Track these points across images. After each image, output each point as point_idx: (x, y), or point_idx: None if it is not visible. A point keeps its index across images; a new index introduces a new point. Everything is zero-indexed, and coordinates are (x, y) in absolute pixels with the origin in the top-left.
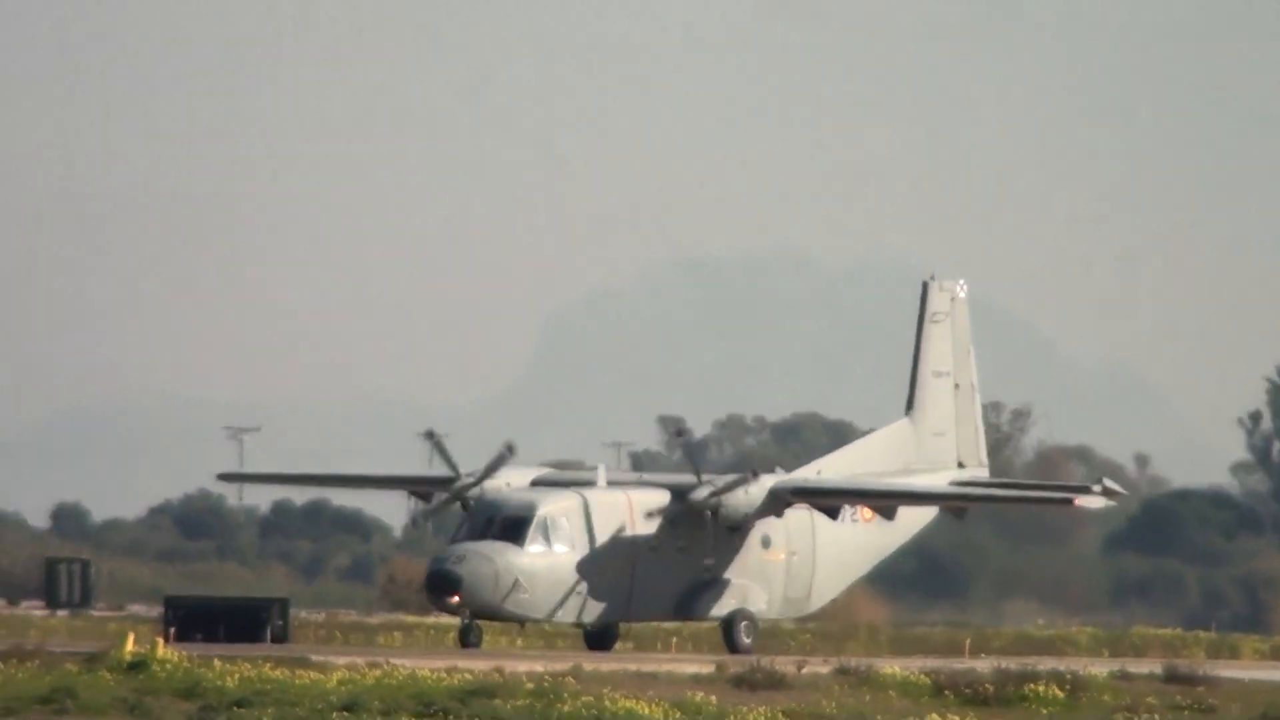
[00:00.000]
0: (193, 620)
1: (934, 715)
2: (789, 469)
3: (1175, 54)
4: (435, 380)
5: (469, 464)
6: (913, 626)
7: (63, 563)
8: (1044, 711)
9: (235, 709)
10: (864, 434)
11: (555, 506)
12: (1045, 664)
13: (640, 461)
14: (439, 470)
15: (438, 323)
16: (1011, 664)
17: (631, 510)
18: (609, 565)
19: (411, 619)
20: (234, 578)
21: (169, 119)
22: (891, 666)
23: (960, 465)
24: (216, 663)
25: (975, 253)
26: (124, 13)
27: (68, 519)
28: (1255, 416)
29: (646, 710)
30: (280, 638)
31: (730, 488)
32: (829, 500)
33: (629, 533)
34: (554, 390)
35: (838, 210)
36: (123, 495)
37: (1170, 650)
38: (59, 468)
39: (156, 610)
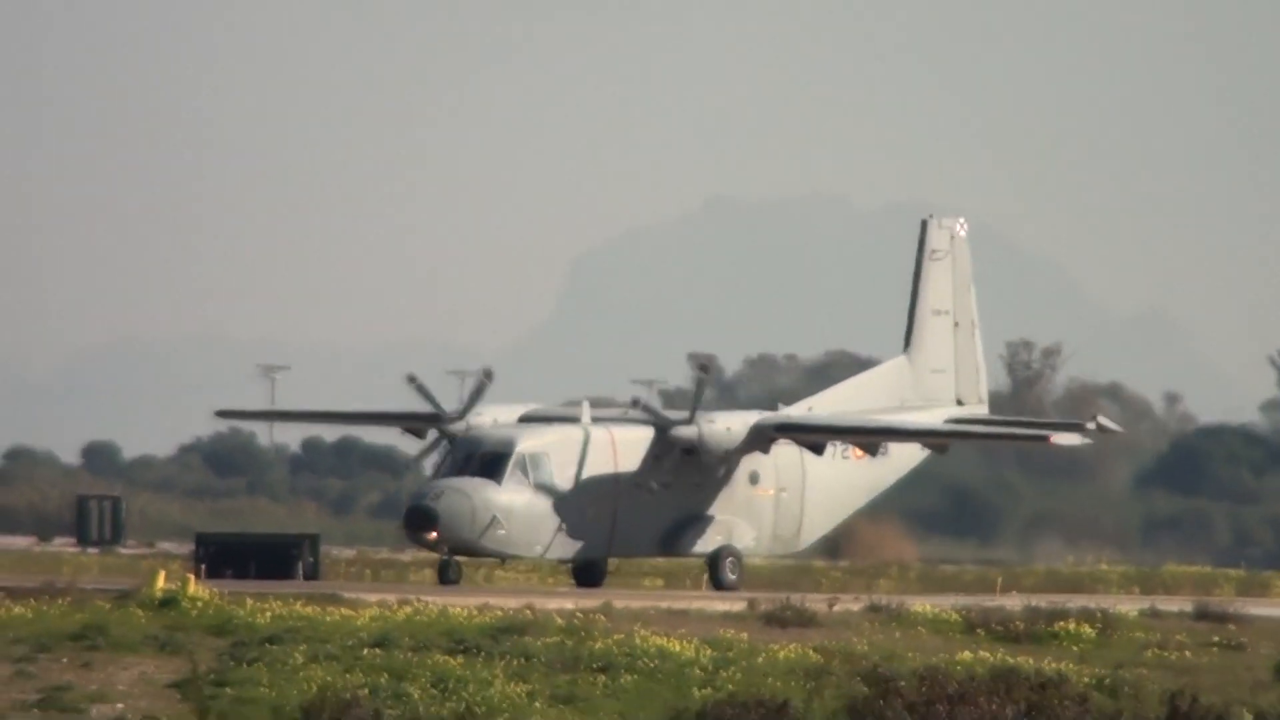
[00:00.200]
0: (223, 557)
1: (965, 652)
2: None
3: None
4: (467, 319)
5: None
6: (943, 564)
7: (94, 500)
8: (1075, 649)
9: (266, 646)
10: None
11: (534, 443)
12: (1076, 602)
13: (672, 399)
14: (425, 407)
15: (469, 261)
16: (1042, 602)
17: (614, 447)
18: (590, 502)
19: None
20: (265, 515)
21: (198, 60)
22: (922, 604)
23: (959, 403)
24: (248, 600)
25: (1007, 195)
26: None
27: (99, 456)
28: None
29: (677, 648)
30: (311, 575)
31: (697, 420)
32: (812, 436)
33: (611, 469)
34: (585, 329)
35: (872, 152)
36: (153, 432)
37: (1200, 588)
38: (90, 405)
39: (187, 547)
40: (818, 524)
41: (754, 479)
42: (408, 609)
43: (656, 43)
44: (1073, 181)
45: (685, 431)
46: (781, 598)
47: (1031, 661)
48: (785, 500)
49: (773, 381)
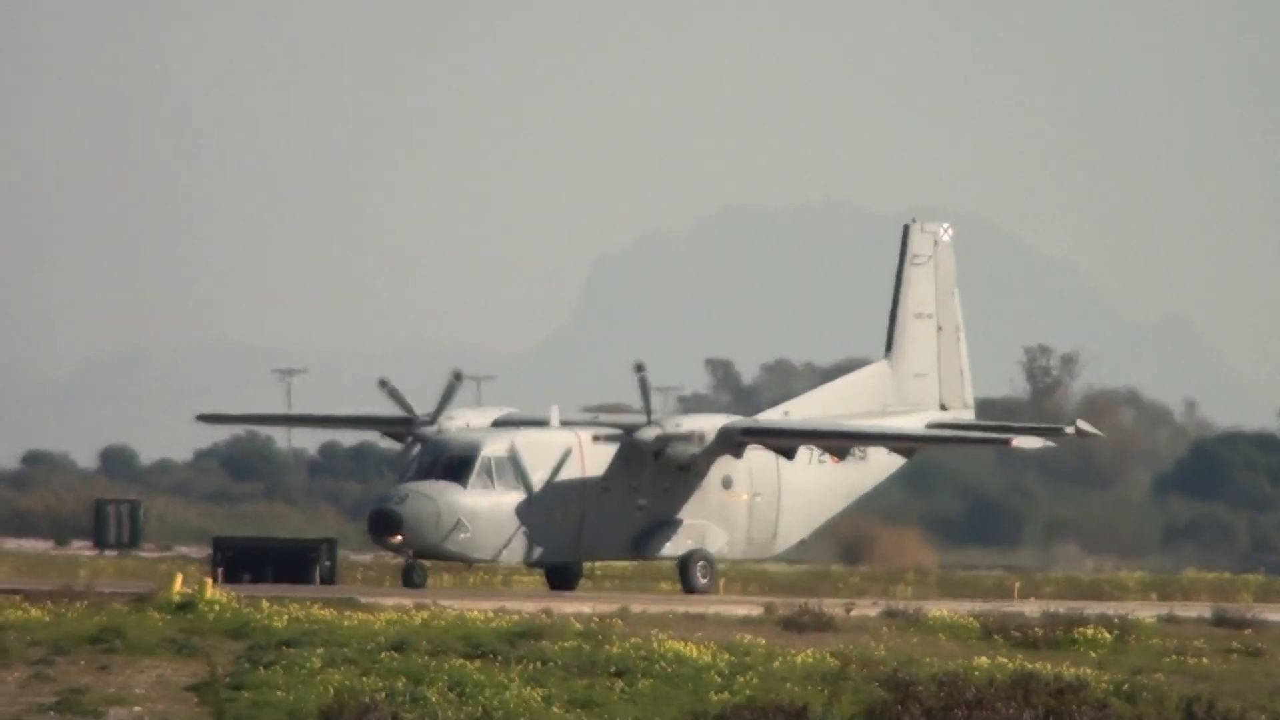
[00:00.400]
0: (241, 561)
1: (982, 658)
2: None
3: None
4: (484, 323)
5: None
6: (962, 570)
7: (111, 503)
8: (1092, 655)
9: (284, 649)
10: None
11: (500, 446)
12: (1094, 608)
13: (689, 405)
14: (399, 411)
15: (487, 266)
16: (1060, 607)
17: (582, 451)
18: (557, 505)
19: None
20: (282, 519)
21: (215, 70)
22: (940, 609)
23: (943, 407)
24: (265, 603)
25: (1026, 201)
26: None
27: (116, 460)
28: None
29: (694, 652)
30: (328, 579)
31: (664, 424)
32: (780, 441)
33: (579, 473)
34: (602, 334)
35: (888, 159)
36: (172, 437)
37: (1219, 594)
38: (108, 410)
39: (205, 551)
40: (794, 529)
41: (727, 483)
42: (425, 613)
43: (673, 52)
44: (1092, 188)
45: (650, 435)
46: (799, 602)
47: (1049, 667)
48: (760, 505)
49: (790, 387)
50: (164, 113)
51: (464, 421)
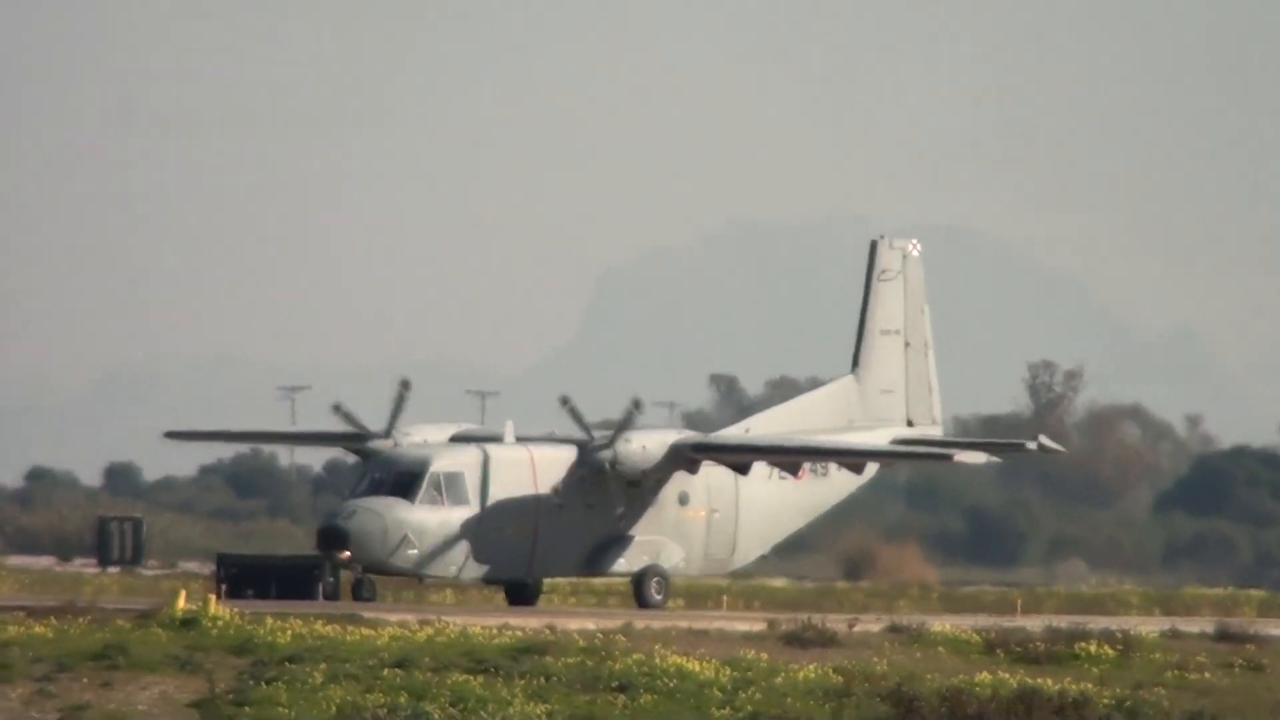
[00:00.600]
0: (244, 578)
1: (985, 673)
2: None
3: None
4: (489, 339)
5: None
6: (964, 586)
7: (115, 521)
8: (1095, 670)
9: (286, 665)
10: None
11: (449, 462)
12: (1096, 623)
13: (693, 421)
14: (351, 428)
15: (491, 282)
16: (1062, 623)
17: (534, 467)
18: (507, 521)
19: None
20: (286, 536)
21: (223, 92)
22: (943, 625)
23: (910, 423)
24: (268, 620)
25: (1031, 216)
26: None
27: (120, 477)
28: None
29: (698, 667)
30: (332, 595)
31: (621, 431)
32: (730, 456)
33: (530, 489)
34: (607, 350)
35: (892, 175)
36: (175, 454)
37: (1221, 609)
38: (111, 427)
39: (208, 568)
40: (753, 544)
41: (683, 499)
42: (428, 629)
43: (677, 67)
44: (1098, 202)
45: (600, 451)
46: (802, 618)
47: (1052, 683)
48: (717, 521)
49: None
50: (170, 127)
51: (421, 437)
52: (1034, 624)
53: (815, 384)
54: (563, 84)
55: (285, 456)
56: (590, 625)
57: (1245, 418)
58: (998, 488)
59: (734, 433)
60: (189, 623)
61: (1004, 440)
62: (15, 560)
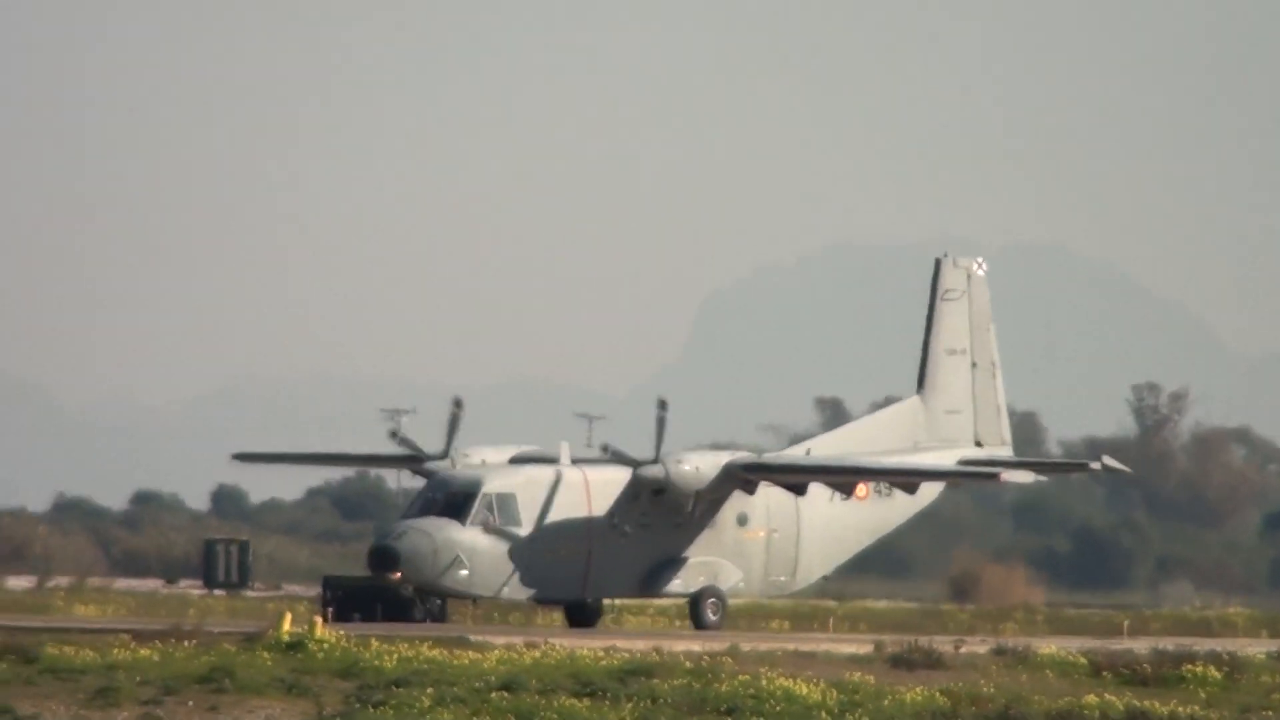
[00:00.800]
0: (351, 600)
1: (1091, 695)
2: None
3: None
4: (593, 361)
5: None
6: (1070, 608)
7: (221, 543)
8: (1201, 692)
9: (393, 688)
10: (1023, 414)
11: (501, 483)
12: (1203, 645)
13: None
14: (413, 450)
15: (597, 304)
16: (1169, 645)
17: (588, 488)
18: (559, 542)
19: None
20: None
21: (307, 108)
22: (1049, 646)
23: (978, 444)
24: (374, 642)
25: (1138, 238)
26: None
27: (226, 500)
28: None
29: (804, 690)
30: (438, 617)
31: (666, 461)
32: (784, 477)
33: (584, 509)
34: (711, 372)
35: (999, 196)
36: (282, 476)
37: None
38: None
39: (314, 590)
40: (815, 565)
41: (742, 520)
42: (535, 652)
43: (784, 92)
44: (1202, 224)
45: (652, 472)
46: (909, 640)
47: (1158, 705)
48: (777, 542)
49: None
50: (269, 149)
51: (480, 459)
52: (1140, 646)
53: None
54: (669, 112)
55: (392, 479)
56: (696, 647)
57: None
58: (1104, 509)
59: (795, 453)
60: (295, 646)
61: (1067, 460)
62: (122, 583)
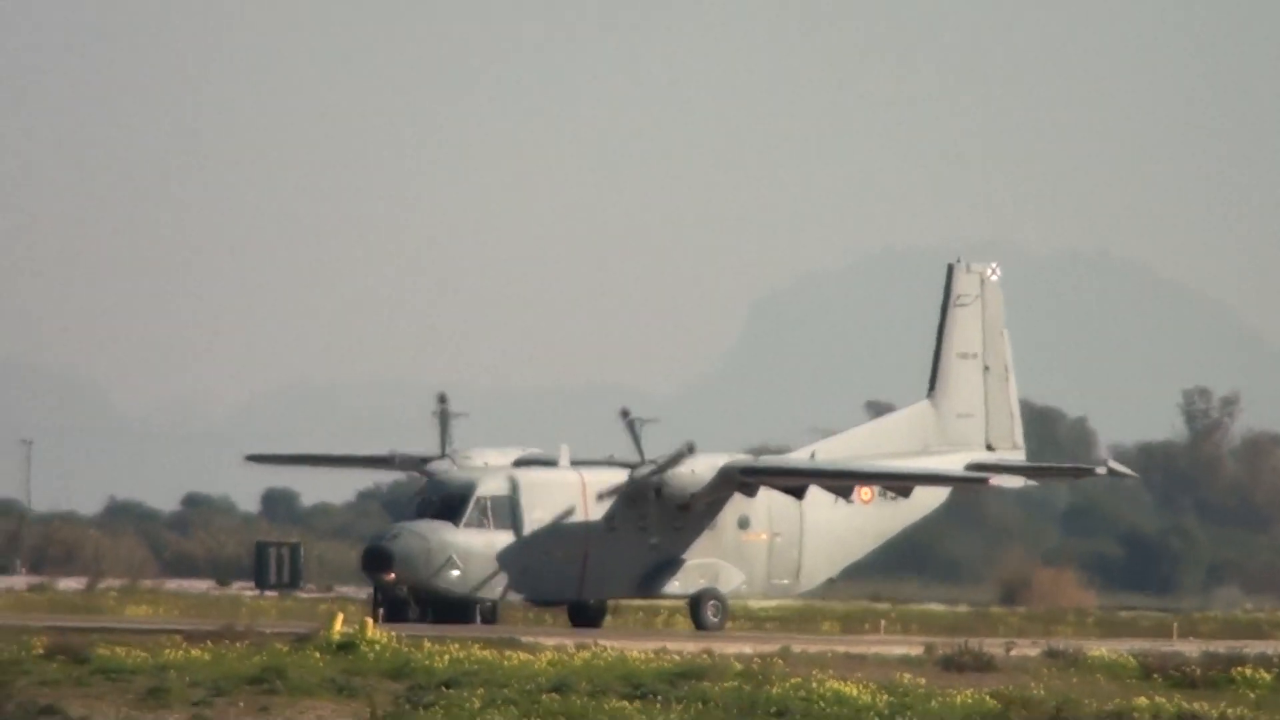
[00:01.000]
0: (402, 602)
1: (1141, 698)
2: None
3: None
4: (643, 364)
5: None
6: (1120, 611)
7: (272, 546)
8: (1251, 695)
9: (444, 689)
10: (1074, 419)
11: (495, 485)
12: (1253, 647)
13: None
14: (430, 451)
15: (646, 306)
16: (1219, 647)
17: (584, 490)
18: (555, 544)
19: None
20: None
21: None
22: (1099, 649)
23: (990, 448)
24: (425, 643)
25: (1186, 241)
26: None
27: (278, 503)
28: None
29: (854, 692)
30: (489, 619)
31: (669, 465)
32: (782, 480)
33: (580, 512)
34: (761, 375)
35: (1045, 202)
36: (333, 479)
37: None
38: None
39: (365, 592)
40: (819, 568)
41: (743, 523)
42: (586, 653)
43: (832, 96)
44: (1251, 225)
45: (644, 475)
46: (959, 642)
47: (1208, 707)
48: (780, 545)
49: None
50: (321, 153)
51: (482, 461)
52: (1190, 649)
53: None
54: (718, 113)
55: None
56: (748, 649)
57: None
58: (1154, 514)
59: (800, 456)
60: (346, 647)
61: (1072, 465)
62: (173, 584)
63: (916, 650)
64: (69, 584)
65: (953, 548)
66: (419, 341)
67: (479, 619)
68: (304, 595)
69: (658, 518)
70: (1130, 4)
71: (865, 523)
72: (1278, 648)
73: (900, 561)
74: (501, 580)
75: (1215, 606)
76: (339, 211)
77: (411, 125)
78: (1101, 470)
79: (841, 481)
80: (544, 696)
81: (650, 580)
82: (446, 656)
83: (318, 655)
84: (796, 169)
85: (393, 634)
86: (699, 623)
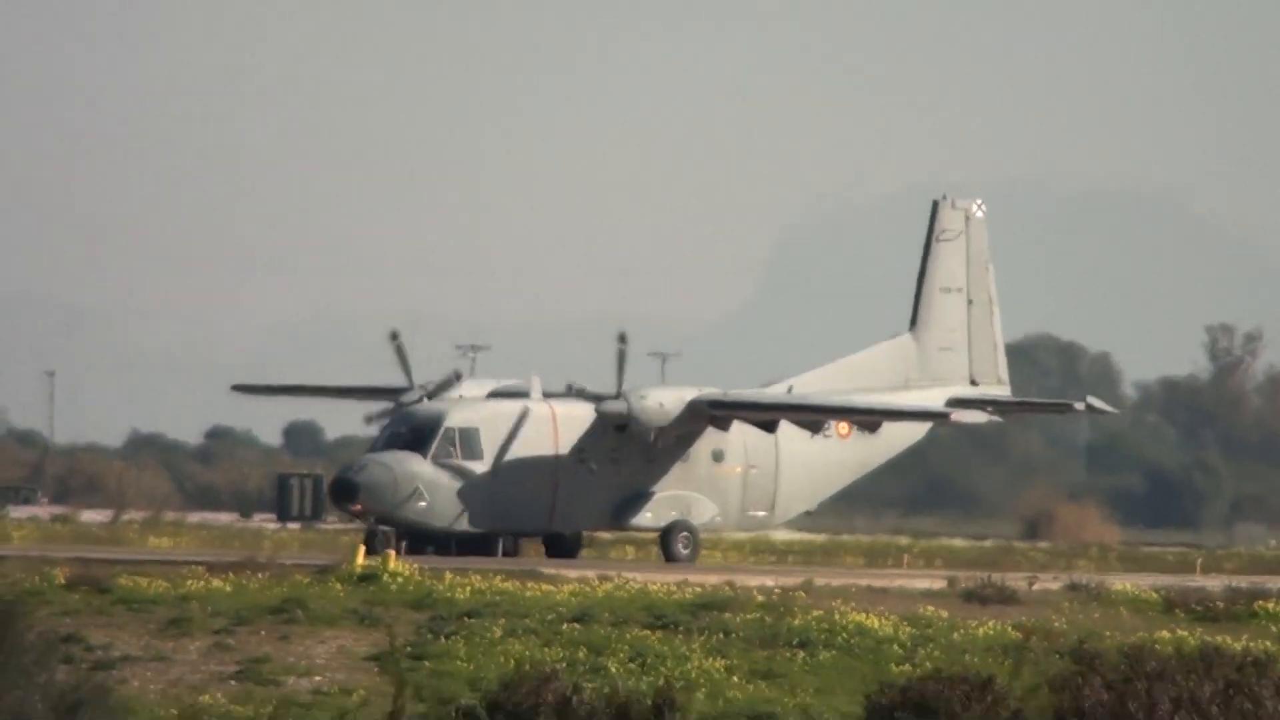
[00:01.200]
0: (424, 535)
1: (1164, 631)
2: (1017, 392)
3: None
4: (667, 297)
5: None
6: (1143, 547)
7: (294, 477)
8: (1274, 628)
9: (465, 620)
10: (1096, 354)
11: (464, 416)
12: (1276, 582)
13: None
14: (397, 381)
15: (670, 240)
16: (1242, 582)
17: (555, 423)
18: (524, 477)
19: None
20: None
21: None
22: (1122, 583)
23: (973, 382)
24: (447, 575)
25: (1212, 175)
26: None
27: (300, 436)
28: None
29: (877, 624)
30: (511, 552)
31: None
32: (751, 414)
33: (551, 444)
34: (787, 310)
35: (1074, 134)
36: (356, 413)
37: None
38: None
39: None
40: (795, 501)
41: (717, 456)
42: (608, 585)
43: (858, 31)
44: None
45: (614, 407)
46: (982, 576)
47: (1229, 640)
48: (755, 477)
49: None
50: (340, 77)
51: (458, 393)
52: (1213, 583)
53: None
54: (742, 48)
55: None
56: (770, 582)
57: None
58: (1177, 449)
59: (776, 390)
60: (368, 578)
61: (1050, 401)
62: (196, 516)
63: (939, 584)
64: (91, 515)
65: (976, 482)
66: (444, 275)
67: (500, 552)
68: (326, 527)
69: (632, 451)
70: None
71: (843, 456)
72: None
73: (923, 496)
74: (470, 512)
75: (1238, 542)
76: (364, 139)
77: (430, 49)
78: (1080, 406)
79: (809, 415)
80: (565, 626)
81: (621, 512)
82: (468, 588)
83: (339, 587)
84: (828, 104)
85: (414, 566)
86: (668, 554)
